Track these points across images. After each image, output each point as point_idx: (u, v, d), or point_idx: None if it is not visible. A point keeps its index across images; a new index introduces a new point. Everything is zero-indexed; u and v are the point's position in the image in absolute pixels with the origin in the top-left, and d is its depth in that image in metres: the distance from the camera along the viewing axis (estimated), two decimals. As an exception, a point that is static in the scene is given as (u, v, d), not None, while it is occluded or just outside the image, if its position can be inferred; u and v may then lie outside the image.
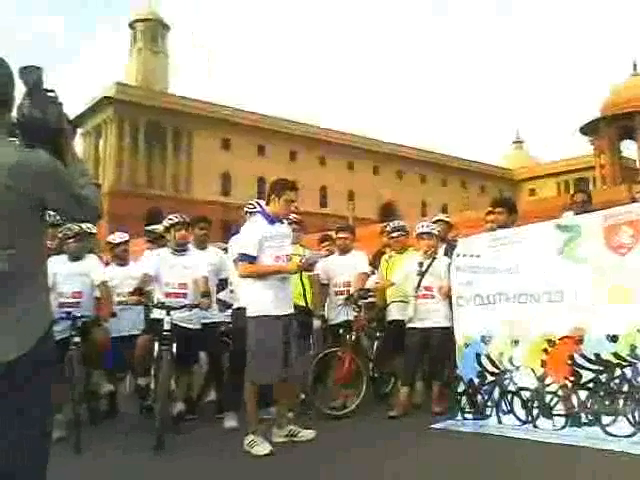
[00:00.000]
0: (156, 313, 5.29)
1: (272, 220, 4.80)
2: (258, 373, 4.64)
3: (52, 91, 2.18)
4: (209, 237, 6.32)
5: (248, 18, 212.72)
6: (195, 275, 5.48)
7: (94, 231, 6.31)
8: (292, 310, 4.88)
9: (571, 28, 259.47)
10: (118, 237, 6.45)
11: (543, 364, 5.00)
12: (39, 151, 2.04)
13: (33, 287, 2.08)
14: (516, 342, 5.19)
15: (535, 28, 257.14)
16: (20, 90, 2.15)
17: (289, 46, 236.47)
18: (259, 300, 4.68)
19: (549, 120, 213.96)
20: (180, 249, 5.60)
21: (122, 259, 6.37)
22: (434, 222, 6.95)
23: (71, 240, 5.49)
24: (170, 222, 5.65)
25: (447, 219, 7.25)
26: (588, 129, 54.12)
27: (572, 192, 7.73)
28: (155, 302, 5.31)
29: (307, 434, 4.84)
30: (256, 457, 4.40)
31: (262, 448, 4.47)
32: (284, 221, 4.96)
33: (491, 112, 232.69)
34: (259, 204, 5.85)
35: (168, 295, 5.41)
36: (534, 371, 5.05)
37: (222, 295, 6.13)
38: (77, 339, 4.96)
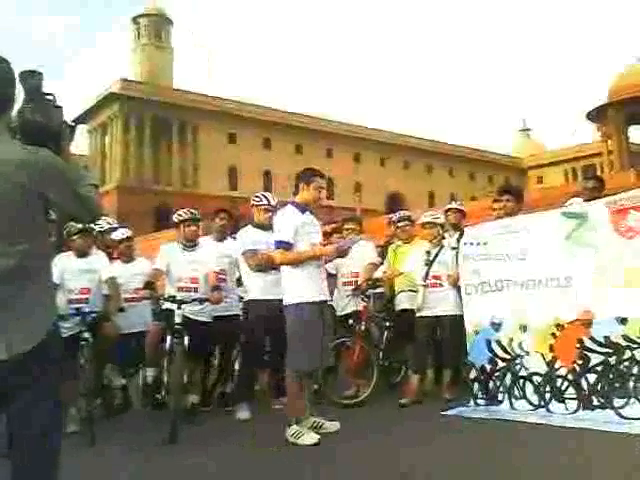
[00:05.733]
0: (168, 305, 5.33)
1: (303, 209, 4.82)
2: (305, 360, 4.59)
3: (50, 94, 2.21)
4: (228, 228, 6.34)
5: (248, 11, 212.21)
6: (206, 270, 5.52)
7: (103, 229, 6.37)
8: (327, 297, 4.90)
9: (577, 12, 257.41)
10: (120, 234, 6.43)
11: (552, 349, 5.01)
12: (44, 150, 2.07)
13: (40, 283, 2.10)
14: (525, 328, 5.20)
15: (540, 13, 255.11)
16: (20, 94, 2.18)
17: (292, 38, 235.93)
18: (299, 287, 4.64)
19: (556, 107, 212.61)
20: (190, 244, 5.64)
21: (126, 256, 6.36)
22: (446, 210, 6.97)
23: (76, 237, 5.51)
24: (179, 218, 5.70)
25: (460, 207, 7.22)
26: (595, 115, 53.69)
27: (582, 178, 7.64)
28: (166, 296, 5.35)
29: (331, 426, 4.77)
30: (269, 448, 4.41)
31: (309, 438, 4.41)
32: (313, 211, 4.95)
33: (497, 100, 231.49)
34: (265, 197, 5.89)
35: (180, 289, 5.47)
36: (543, 356, 5.07)
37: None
38: (87, 335, 5.00)
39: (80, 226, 5.38)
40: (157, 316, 5.67)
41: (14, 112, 2.17)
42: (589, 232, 4.89)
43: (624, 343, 4.58)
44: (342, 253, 5.05)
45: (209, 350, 5.81)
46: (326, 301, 4.86)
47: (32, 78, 2.19)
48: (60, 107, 2.23)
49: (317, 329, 4.62)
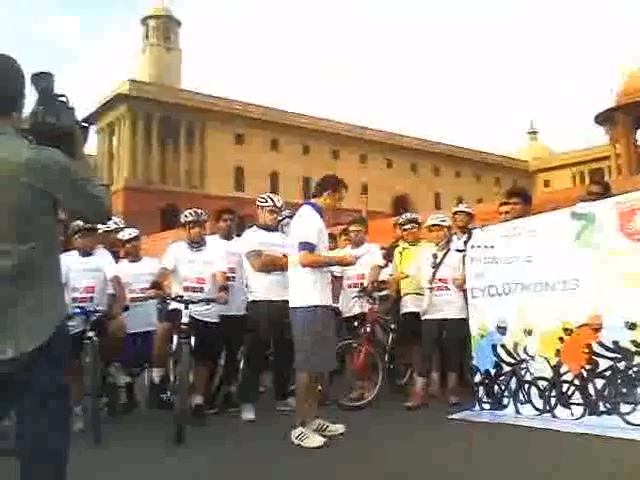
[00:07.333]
0: (175, 304, 5.34)
1: (320, 213, 4.83)
2: (319, 362, 4.62)
3: (63, 96, 2.21)
4: (234, 227, 6.35)
5: (254, 13, 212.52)
6: (212, 270, 5.53)
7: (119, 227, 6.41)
8: (332, 303, 4.95)
9: (583, 15, 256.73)
10: (127, 233, 6.44)
11: (557, 353, 4.99)
12: (51, 149, 2.07)
13: (48, 281, 2.10)
14: (530, 332, 5.18)
15: (548, 16, 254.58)
16: (32, 96, 2.19)
17: (299, 39, 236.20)
18: (311, 290, 4.63)
19: (564, 110, 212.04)
20: (196, 245, 5.66)
21: (132, 255, 6.36)
22: (454, 213, 6.96)
23: (77, 235, 5.53)
24: (185, 219, 5.73)
25: (468, 210, 7.20)
26: (603, 119, 53.60)
27: (588, 183, 7.60)
28: (173, 296, 5.36)
29: (336, 428, 4.77)
30: (273, 449, 4.42)
31: (314, 440, 4.41)
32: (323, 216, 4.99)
33: (505, 103, 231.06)
34: (271, 198, 5.90)
35: (186, 289, 5.48)
36: (549, 360, 5.04)
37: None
38: (91, 333, 5.00)
39: (82, 224, 5.39)
40: (164, 316, 5.68)
41: (27, 114, 2.18)
42: (596, 234, 4.86)
43: (633, 349, 4.54)
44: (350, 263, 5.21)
45: (216, 351, 5.81)
46: (331, 306, 4.89)
47: (43, 80, 2.20)
48: (72, 108, 2.24)
49: (329, 331, 4.68)
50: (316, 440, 4.42)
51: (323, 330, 4.60)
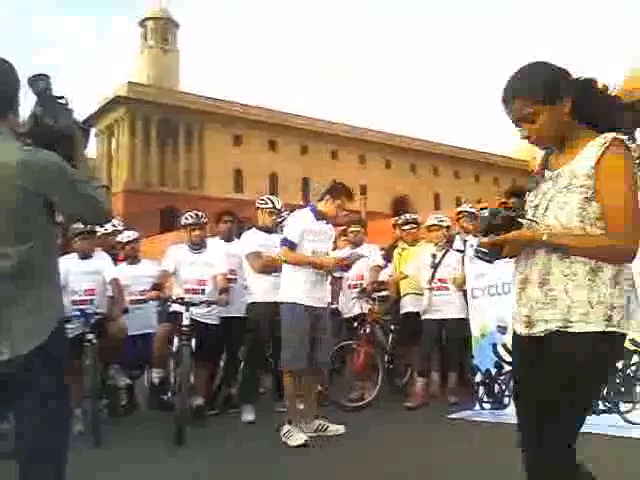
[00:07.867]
0: (175, 306, 5.35)
1: (318, 217, 4.89)
2: (287, 359, 4.69)
3: (62, 98, 2.20)
4: (234, 230, 6.37)
5: (252, 15, 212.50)
6: (213, 272, 5.54)
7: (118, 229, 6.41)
8: (324, 304, 4.94)
9: (582, 15, 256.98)
10: (127, 236, 6.45)
11: None
12: (44, 151, 2.05)
13: (44, 282, 2.09)
14: None
15: (547, 15, 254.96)
16: (29, 98, 2.19)
17: (297, 41, 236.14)
18: (292, 287, 4.74)
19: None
20: (196, 247, 5.67)
21: (132, 257, 6.37)
22: (458, 213, 6.97)
23: (77, 238, 5.53)
24: (185, 222, 5.75)
25: (472, 210, 7.20)
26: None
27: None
28: (174, 298, 5.37)
29: (336, 429, 4.80)
30: (274, 450, 4.42)
31: (296, 439, 4.46)
32: (330, 222, 5.02)
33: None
34: (270, 199, 5.92)
35: (187, 291, 5.50)
36: None
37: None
38: (91, 336, 5.00)
39: (82, 227, 5.39)
40: (165, 318, 5.69)
41: (26, 116, 2.17)
42: None
43: (632, 347, 4.54)
44: (345, 266, 5.15)
45: (216, 352, 5.82)
46: (322, 308, 4.87)
47: (40, 82, 2.19)
48: (71, 110, 2.23)
49: (303, 330, 4.66)
50: (298, 438, 4.46)
51: (296, 327, 4.64)
